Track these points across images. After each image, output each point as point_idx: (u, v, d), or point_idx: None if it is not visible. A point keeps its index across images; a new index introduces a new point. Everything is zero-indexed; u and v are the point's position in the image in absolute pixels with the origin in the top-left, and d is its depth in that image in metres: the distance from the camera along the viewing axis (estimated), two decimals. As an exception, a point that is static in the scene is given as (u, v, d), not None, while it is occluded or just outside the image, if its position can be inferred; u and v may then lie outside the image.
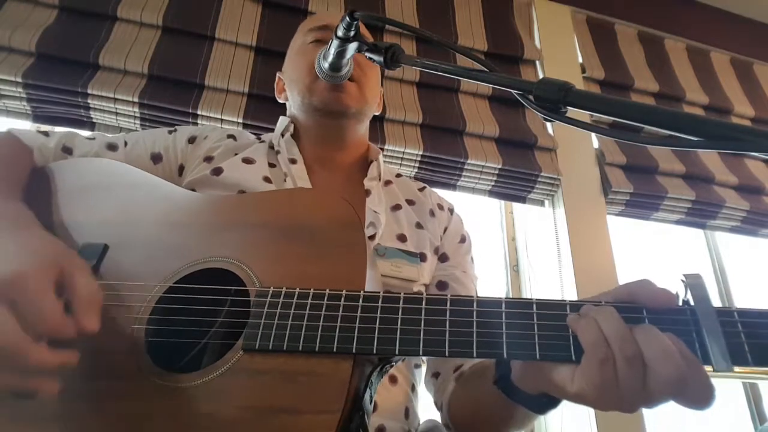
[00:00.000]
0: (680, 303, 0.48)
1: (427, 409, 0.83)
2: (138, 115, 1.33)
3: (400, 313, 0.51)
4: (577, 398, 0.46)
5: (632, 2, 2.11)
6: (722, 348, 0.44)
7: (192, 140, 0.88)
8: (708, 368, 0.44)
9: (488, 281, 1.65)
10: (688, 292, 0.47)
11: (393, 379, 0.74)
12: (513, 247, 1.74)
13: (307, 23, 1.00)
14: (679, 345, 0.43)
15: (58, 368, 0.47)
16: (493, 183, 1.60)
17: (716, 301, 0.47)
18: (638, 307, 0.47)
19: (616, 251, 1.61)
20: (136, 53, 1.36)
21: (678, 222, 1.76)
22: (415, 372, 0.81)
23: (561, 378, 0.47)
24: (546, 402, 0.54)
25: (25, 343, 0.45)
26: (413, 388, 0.79)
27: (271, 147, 0.90)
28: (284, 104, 1.02)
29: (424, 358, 0.89)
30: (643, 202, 1.71)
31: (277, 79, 1.06)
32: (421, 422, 0.79)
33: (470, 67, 0.58)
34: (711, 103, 1.96)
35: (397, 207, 0.88)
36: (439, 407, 0.81)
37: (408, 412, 0.74)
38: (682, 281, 0.48)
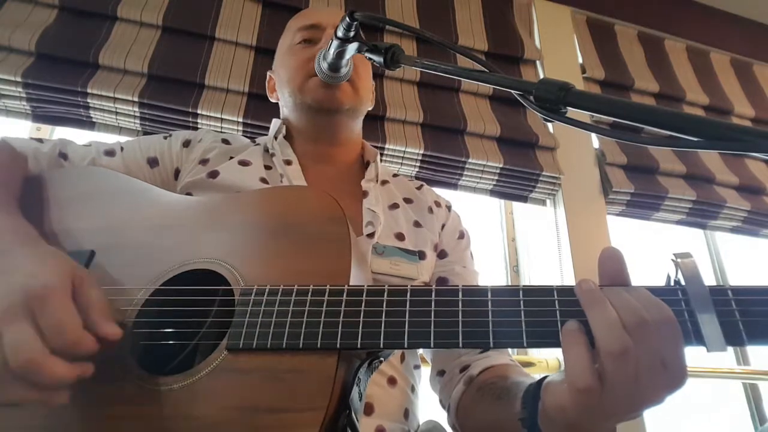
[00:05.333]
0: (671, 283, 0.47)
1: (427, 410, 0.82)
2: (138, 114, 1.33)
3: (384, 306, 0.50)
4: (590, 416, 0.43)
5: (632, 2, 2.11)
6: (716, 327, 0.42)
7: (186, 144, 0.88)
8: (702, 349, 0.43)
9: (488, 281, 1.65)
10: (679, 271, 0.46)
11: (392, 381, 0.73)
12: (513, 247, 1.74)
13: (295, 21, 0.99)
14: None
15: (75, 380, 0.47)
16: (494, 182, 1.59)
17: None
18: (626, 286, 0.46)
19: (616, 251, 1.61)
20: (136, 53, 1.36)
21: (679, 222, 1.76)
22: (414, 373, 0.81)
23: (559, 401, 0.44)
24: None
25: (42, 359, 0.45)
26: (413, 389, 0.79)
27: (266, 150, 0.90)
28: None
29: (426, 357, 0.89)
30: (643, 203, 1.70)
31: (268, 78, 1.05)
32: (420, 423, 0.78)
33: (470, 68, 0.58)
34: (711, 104, 1.95)
35: (394, 206, 0.87)
36: (445, 408, 0.80)
37: (408, 413, 0.74)
38: (672, 260, 0.47)
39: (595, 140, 1.79)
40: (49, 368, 0.45)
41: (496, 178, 1.59)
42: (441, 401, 0.82)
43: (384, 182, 0.93)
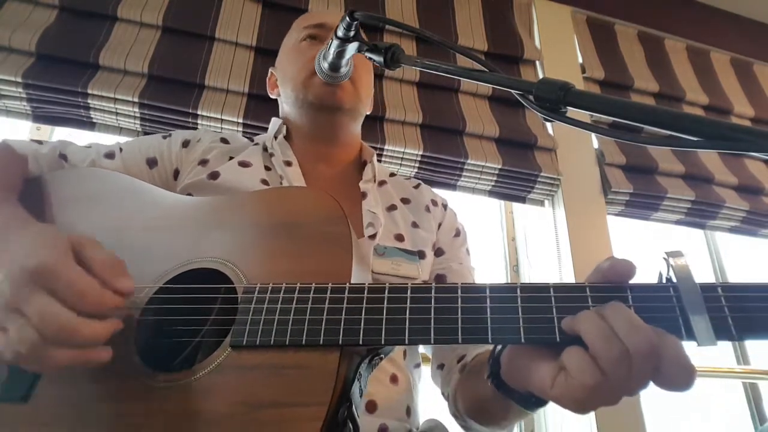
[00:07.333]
0: (663, 281, 0.48)
1: (428, 409, 0.83)
2: (138, 115, 1.33)
3: (385, 303, 0.51)
4: (559, 401, 0.45)
5: (632, 2, 2.11)
6: (706, 322, 0.44)
7: (186, 144, 0.88)
8: (692, 343, 0.44)
9: (488, 280, 1.65)
10: (671, 269, 0.47)
11: (394, 379, 0.74)
12: (513, 247, 1.74)
13: (302, 20, 1.00)
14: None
15: (110, 335, 0.48)
16: (493, 183, 1.60)
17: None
18: (622, 286, 0.47)
19: (616, 251, 1.61)
20: (136, 53, 1.36)
21: (678, 222, 1.76)
22: (415, 371, 0.82)
23: (540, 378, 0.46)
24: (534, 401, 0.53)
25: (75, 322, 0.46)
26: (414, 386, 0.80)
27: (265, 149, 0.90)
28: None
29: (427, 352, 0.89)
30: (642, 202, 1.71)
31: (269, 74, 1.05)
32: (422, 421, 0.79)
33: (470, 67, 0.58)
34: (711, 103, 1.95)
35: (392, 207, 0.88)
36: (446, 398, 0.82)
37: (409, 411, 0.75)
38: (664, 259, 0.48)
39: (594, 140, 1.79)
40: (84, 329, 0.46)
41: (495, 179, 1.59)
42: (442, 393, 0.84)
43: (381, 183, 0.93)
